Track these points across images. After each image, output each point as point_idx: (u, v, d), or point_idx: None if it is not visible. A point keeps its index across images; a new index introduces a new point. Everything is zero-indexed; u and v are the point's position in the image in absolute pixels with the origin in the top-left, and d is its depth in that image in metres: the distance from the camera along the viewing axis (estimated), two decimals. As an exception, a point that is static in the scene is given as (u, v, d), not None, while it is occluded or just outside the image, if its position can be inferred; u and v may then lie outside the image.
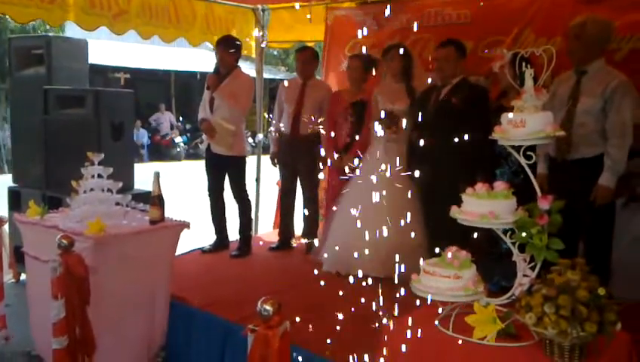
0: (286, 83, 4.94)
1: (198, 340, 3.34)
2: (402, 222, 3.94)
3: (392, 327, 2.08)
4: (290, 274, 4.24)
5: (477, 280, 2.06)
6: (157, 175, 3.24)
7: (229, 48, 4.51)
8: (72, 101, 4.62)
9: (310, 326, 3.03)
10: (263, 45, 5.85)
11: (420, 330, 2.03)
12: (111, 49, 14.48)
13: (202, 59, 15.05)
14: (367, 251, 3.99)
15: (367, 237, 4.00)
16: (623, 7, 3.78)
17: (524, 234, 1.92)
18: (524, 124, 1.90)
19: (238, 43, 4.63)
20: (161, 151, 16.61)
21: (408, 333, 2.04)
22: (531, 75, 1.92)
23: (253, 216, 5.30)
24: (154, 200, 3.21)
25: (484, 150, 3.40)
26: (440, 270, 2.04)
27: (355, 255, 3.98)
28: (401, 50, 4.17)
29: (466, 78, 3.87)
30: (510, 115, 1.96)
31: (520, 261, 2.01)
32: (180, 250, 3.94)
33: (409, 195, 4.04)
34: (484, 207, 1.96)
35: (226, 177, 4.74)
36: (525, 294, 1.86)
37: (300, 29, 5.80)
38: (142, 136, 16.34)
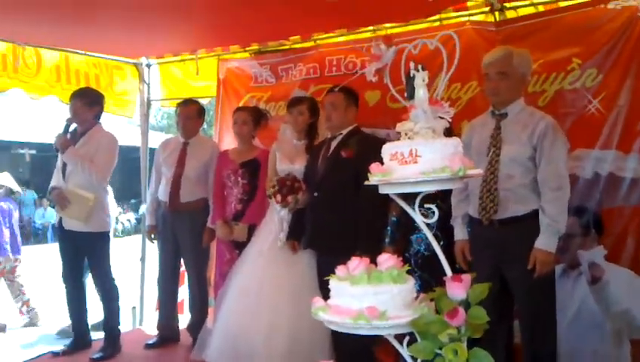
0: (164, 143, 4.14)
1: None
2: (302, 306, 3.19)
3: None
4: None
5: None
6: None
7: (85, 102, 3.76)
8: None
9: None
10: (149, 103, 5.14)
11: None
12: (17, 124, 13.44)
13: (123, 133, 14.15)
14: (261, 343, 3.17)
15: (261, 326, 3.21)
16: (545, 45, 3.27)
17: (427, 344, 1.12)
18: (415, 158, 1.13)
19: (97, 95, 3.91)
20: (69, 231, 15.32)
21: None
22: (424, 81, 1.20)
23: (137, 303, 4.52)
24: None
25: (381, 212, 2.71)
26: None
27: (246, 349, 3.14)
28: (310, 104, 3.50)
29: (358, 127, 3.23)
30: (394, 144, 1.21)
31: (427, 386, 1.21)
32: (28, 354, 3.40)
33: (310, 272, 3.30)
34: (361, 298, 1.16)
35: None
36: None
37: (192, 85, 5.12)
38: (50, 216, 15.10)
